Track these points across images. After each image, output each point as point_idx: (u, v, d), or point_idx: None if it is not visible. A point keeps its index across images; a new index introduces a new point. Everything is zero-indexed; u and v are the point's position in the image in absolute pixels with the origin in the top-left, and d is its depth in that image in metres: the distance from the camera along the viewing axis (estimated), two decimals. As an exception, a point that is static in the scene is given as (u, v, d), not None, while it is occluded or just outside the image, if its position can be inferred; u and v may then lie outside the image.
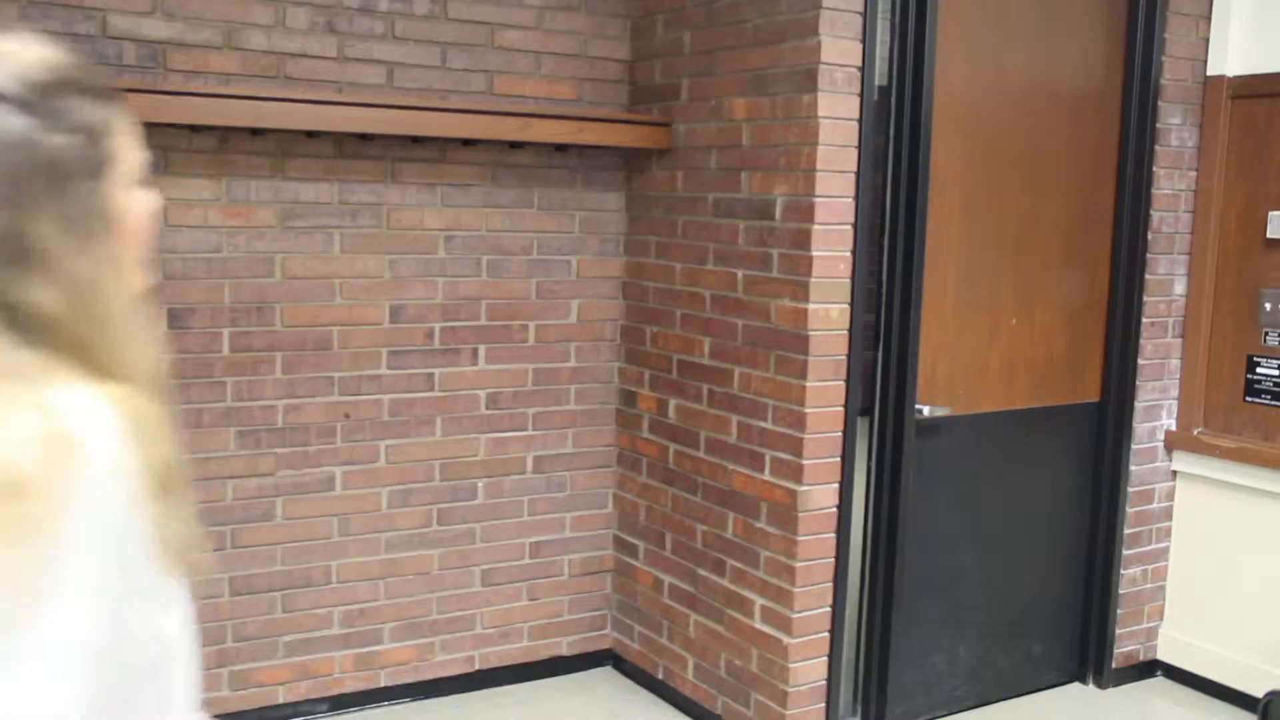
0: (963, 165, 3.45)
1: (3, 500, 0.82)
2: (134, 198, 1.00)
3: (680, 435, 3.64)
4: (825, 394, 3.20)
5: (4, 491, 0.82)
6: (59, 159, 0.92)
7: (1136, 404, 3.87)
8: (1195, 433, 3.92)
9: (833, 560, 3.29)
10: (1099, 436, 3.89)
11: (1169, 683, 4.03)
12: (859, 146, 3.17)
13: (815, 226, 3.13)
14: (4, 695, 0.81)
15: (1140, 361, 3.85)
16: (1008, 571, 3.78)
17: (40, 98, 0.91)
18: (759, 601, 3.36)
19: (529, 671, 3.86)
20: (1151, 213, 3.80)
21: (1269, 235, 3.71)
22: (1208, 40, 3.83)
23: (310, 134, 3.27)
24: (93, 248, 0.93)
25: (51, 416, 0.86)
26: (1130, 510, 3.90)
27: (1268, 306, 3.73)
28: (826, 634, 3.32)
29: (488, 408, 3.69)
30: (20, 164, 0.90)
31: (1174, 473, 4.00)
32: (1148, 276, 3.83)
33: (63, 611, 0.84)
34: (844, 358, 3.22)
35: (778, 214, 3.23)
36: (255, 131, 3.20)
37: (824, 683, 3.34)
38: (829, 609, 3.31)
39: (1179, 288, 3.92)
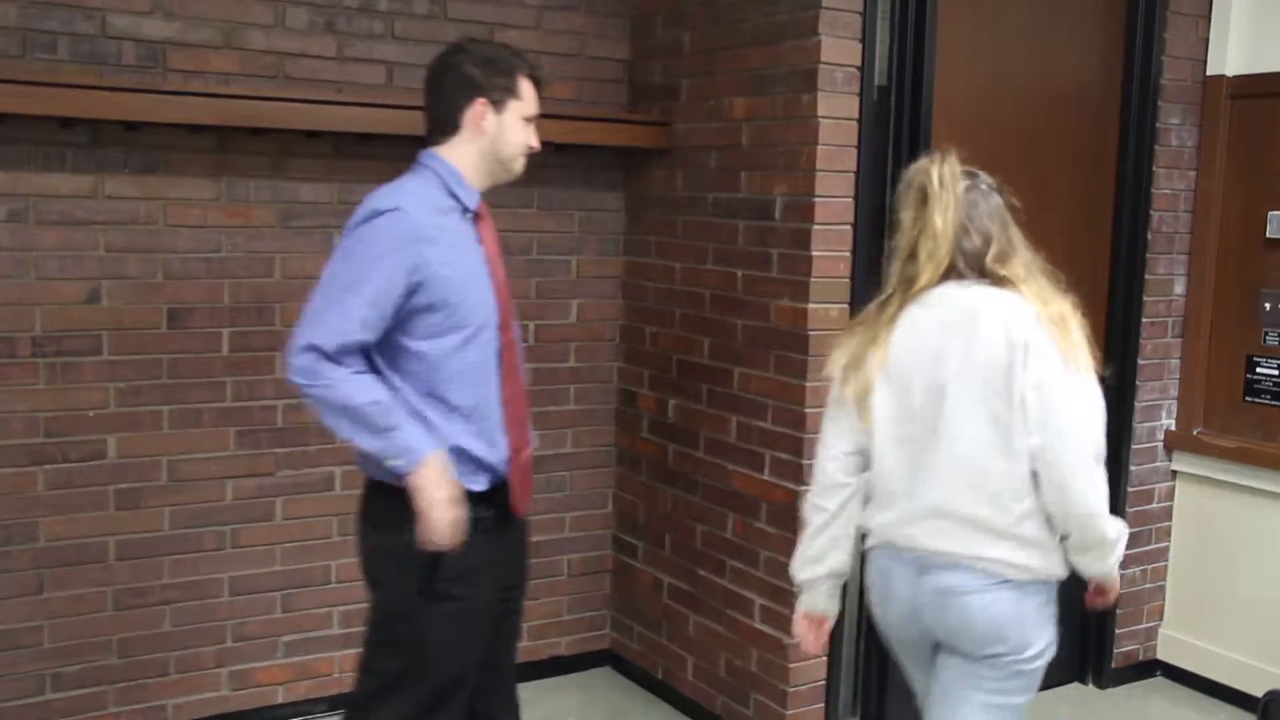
0: (962, 165, 3.45)
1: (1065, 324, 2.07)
2: None
3: (680, 435, 3.64)
4: (825, 394, 3.19)
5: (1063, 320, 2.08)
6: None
7: (1136, 404, 3.87)
8: (1195, 433, 3.92)
9: (832, 560, 3.28)
10: (1099, 436, 3.88)
11: (1169, 683, 4.03)
12: (859, 146, 3.17)
13: (815, 226, 3.13)
14: (1093, 408, 2.06)
15: (1140, 361, 3.86)
16: (1007, 571, 3.77)
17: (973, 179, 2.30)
18: (759, 601, 3.36)
19: (528, 671, 3.84)
20: (1151, 213, 3.80)
21: (1269, 235, 3.71)
22: (1208, 40, 3.83)
23: (310, 134, 3.26)
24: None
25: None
26: (1130, 510, 3.90)
27: (1268, 306, 3.73)
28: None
29: (487, 408, 3.68)
30: (996, 204, 2.30)
31: (1174, 473, 4.00)
32: (1148, 276, 3.83)
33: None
34: (844, 358, 3.21)
35: (777, 214, 3.23)
36: (255, 131, 3.20)
37: (824, 683, 3.34)
38: (829, 609, 3.30)
39: (1179, 288, 3.92)
